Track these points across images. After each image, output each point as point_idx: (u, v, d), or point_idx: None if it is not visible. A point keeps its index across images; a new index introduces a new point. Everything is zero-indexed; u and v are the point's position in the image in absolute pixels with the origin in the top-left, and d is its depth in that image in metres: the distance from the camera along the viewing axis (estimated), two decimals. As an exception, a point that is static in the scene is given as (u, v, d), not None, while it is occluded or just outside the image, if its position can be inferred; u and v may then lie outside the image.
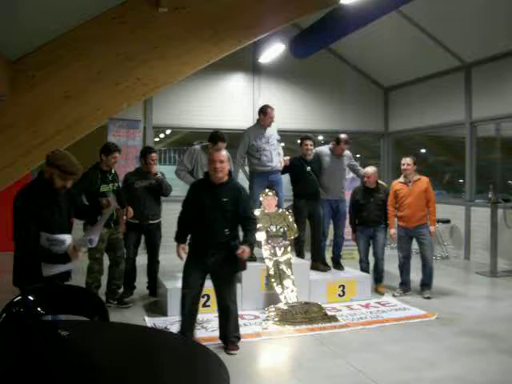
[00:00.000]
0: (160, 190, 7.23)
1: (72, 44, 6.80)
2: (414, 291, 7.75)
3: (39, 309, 3.25)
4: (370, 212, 7.81)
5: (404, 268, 7.80)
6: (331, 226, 8.21)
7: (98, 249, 6.57)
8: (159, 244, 7.45)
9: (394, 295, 7.66)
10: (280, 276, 6.84)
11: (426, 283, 7.66)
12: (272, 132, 7.46)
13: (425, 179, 7.66)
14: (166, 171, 7.94)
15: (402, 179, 7.73)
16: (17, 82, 6.56)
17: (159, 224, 7.43)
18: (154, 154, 7.25)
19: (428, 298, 7.47)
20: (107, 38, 6.92)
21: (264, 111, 7.45)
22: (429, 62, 11.12)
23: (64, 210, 4.15)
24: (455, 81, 10.98)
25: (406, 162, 7.62)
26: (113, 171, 6.89)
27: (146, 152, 7.28)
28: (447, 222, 11.01)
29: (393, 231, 7.77)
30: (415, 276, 7.88)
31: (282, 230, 7.22)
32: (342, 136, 8.02)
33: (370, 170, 7.85)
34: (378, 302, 7.29)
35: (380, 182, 8.10)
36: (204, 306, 6.65)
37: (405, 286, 7.79)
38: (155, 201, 7.30)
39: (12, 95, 6.55)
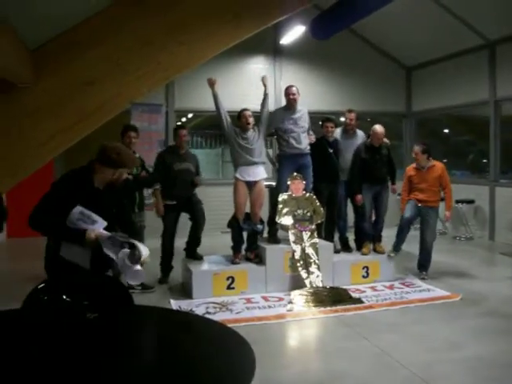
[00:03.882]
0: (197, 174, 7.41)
1: (91, 30, 6.81)
2: (432, 273, 7.66)
3: (64, 296, 3.26)
4: (376, 169, 7.70)
5: (400, 230, 7.67)
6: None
7: None
8: (200, 206, 7.42)
9: (388, 255, 7.60)
10: (306, 261, 6.86)
11: (423, 263, 7.63)
12: (301, 114, 7.44)
13: (439, 165, 7.57)
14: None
15: (415, 165, 7.64)
16: (39, 70, 6.61)
17: (195, 194, 7.47)
18: (182, 130, 7.32)
19: (423, 278, 7.43)
20: (127, 24, 6.92)
21: (285, 91, 7.57)
22: (452, 41, 10.97)
23: (105, 208, 3.78)
24: (479, 59, 10.84)
25: (415, 150, 7.54)
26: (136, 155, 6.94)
27: (175, 129, 7.42)
28: (471, 202, 10.91)
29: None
30: (438, 257, 7.86)
31: (308, 214, 7.21)
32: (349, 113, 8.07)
33: (380, 129, 7.70)
34: (402, 283, 7.28)
35: (384, 140, 7.99)
36: (228, 288, 6.72)
37: (396, 247, 7.71)
38: (191, 181, 7.33)
39: (34, 83, 6.60)
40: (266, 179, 7.36)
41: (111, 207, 3.82)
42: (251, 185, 6.99)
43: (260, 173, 7.04)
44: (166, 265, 7.38)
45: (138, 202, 6.89)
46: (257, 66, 12.24)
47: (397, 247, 7.70)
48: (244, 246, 7.24)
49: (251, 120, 6.96)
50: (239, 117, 7.01)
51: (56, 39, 6.72)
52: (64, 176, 3.84)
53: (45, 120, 6.68)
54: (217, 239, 7.77)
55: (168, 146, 7.55)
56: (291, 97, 7.40)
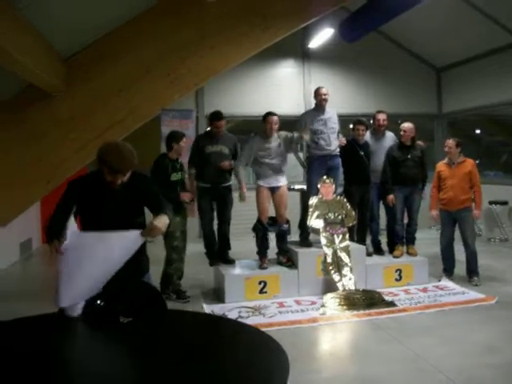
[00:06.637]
0: (234, 157, 7.25)
1: (123, 39, 6.91)
2: (466, 275, 7.50)
3: (98, 301, 3.28)
4: (407, 169, 7.59)
5: (445, 254, 7.63)
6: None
7: (176, 236, 6.69)
8: (230, 206, 7.35)
9: (439, 281, 7.46)
10: (338, 264, 6.83)
11: (472, 269, 7.43)
12: (330, 115, 7.43)
13: (470, 161, 7.42)
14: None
15: (446, 161, 7.53)
16: (71, 79, 6.71)
17: (230, 187, 7.33)
18: (220, 122, 7.10)
19: (476, 285, 7.22)
20: (157, 31, 7.00)
21: (315, 92, 7.57)
22: (482, 40, 10.85)
23: (121, 205, 3.71)
24: (511, 57, 10.68)
25: (449, 144, 7.40)
26: (179, 160, 6.95)
27: (213, 118, 7.18)
28: (505, 203, 10.74)
29: (434, 212, 7.58)
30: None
31: (340, 217, 7.17)
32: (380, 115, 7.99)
33: (407, 124, 7.68)
34: (436, 286, 7.19)
35: (419, 142, 7.91)
36: (261, 292, 6.72)
37: (447, 272, 7.61)
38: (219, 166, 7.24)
39: (67, 91, 6.71)
40: (297, 183, 7.33)
41: (128, 204, 3.73)
42: (274, 190, 6.99)
43: (282, 180, 7.03)
44: (210, 249, 7.31)
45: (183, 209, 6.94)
46: (286, 70, 12.26)
47: (447, 271, 7.63)
48: (275, 251, 7.23)
49: (276, 127, 6.86)
50: (264, 119, 6.85)
51: (88, 48, 6.83)
52: (78, 177, 3.86)
53: (77, 128, 6.79)
54: (248, 243, 7.77)
55: (206, 131, 7.51)
56: (322, 97, 7.39)
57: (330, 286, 6.73)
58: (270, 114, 6.88)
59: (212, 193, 7.18)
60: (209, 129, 7.43)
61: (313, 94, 7.67)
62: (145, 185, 3.88)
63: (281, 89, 11.98)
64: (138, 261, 3.56)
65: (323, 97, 7.40)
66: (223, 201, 7.27)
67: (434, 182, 7.62)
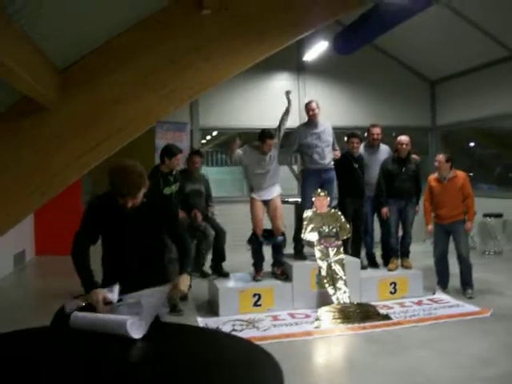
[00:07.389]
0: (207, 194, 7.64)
1: (117, 50, 6.89)
2: (460, 288, 7.49)
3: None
4: (402, 182, 7.58)
5: (439, 267, 7.61)
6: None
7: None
8: (216, 220, 7.59)
9: (433, 294, 7.46)
10: (332, 277, 6.81)
11: (466, 282, 7.41)
12: (324, 128, 7.43)
13: (461, 175, 7.40)
14: (212, 173, 8.08)
15: (437, 175, 7.50)
16: (66, 90, 6.69)
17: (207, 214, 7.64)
18: (196, 158, 7.59)
19: (470, 297, 7.19)
20: (152, 43, 6.99)
21: (305, 107, 7.62)
22: (476, 54, 10.91)
23: (138, 227, 3.64)
24: (504, 71, 10.74)
25: (439, 158, 7.38)
26: (173, 172, 6.96)
27: (190, 154, 7.71)
28: (499, 216, 10.77)
29: (430, 227, 7.57)
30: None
31: (334, 230, 7.17)
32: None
33: (405, 138, 7.64)
34: (431, 299, 7.19)
35: (414, 156, 7.91)
36: (255, 305, 6.70)
37: (442, 284, 7.59)
38: (203, 201, 7.39)
39: (62, 103, 6.69)
40: (292, 195, 7.32)
41: (145, 227, 3.67)
42: (267, 202, 7.00)
43: (275, 192, 7.04)
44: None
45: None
46: (280, 83, 12.29)
47: (441, 284, 7.60)
48: (270, 262, 7.22)
49: (272, 149, 6.92)
50: (263, 139, 6.84)
51: (83, 59, 6.82)
52: (93, 198, 3.81)
53: (72, 140, 6.76)
54: (243, 256, 7.76)
55: (181, 169, 7.68)
56: (311, 112, 7.41)
57: (324, 300, 6.71)
58: (268, 135, 6.82)
59: (193, 226, 7.40)
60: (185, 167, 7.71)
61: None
62: (164, 202, 3.90)
63: (275, 101, 11.93)
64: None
65: (311, 112, 7.41)
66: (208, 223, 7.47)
67: (426, 196, 7.61)
